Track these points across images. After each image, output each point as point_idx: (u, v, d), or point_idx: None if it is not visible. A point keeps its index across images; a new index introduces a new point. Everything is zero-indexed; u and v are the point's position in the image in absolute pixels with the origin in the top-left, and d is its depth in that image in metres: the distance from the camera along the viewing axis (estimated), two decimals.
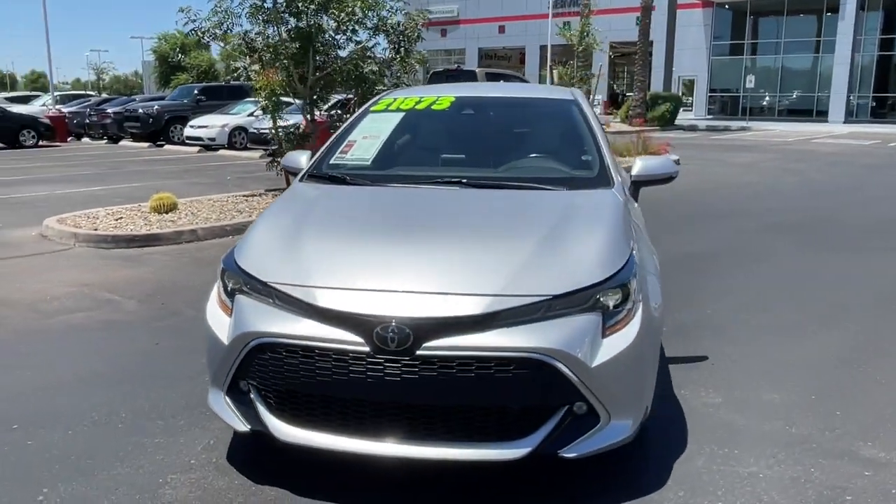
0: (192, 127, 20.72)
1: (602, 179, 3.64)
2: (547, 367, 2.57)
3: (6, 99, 32.11)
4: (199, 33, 9.54)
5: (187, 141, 20.84)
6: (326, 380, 2.65)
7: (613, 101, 42.56)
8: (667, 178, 3.99)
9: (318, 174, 3.91)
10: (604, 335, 2.70)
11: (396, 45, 10.04)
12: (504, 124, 4.44)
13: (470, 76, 17.80)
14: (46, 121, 23.03)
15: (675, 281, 6.03)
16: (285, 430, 2.78)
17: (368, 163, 4.00)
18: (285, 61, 9.62)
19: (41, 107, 28.58)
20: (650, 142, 16.91)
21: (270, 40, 9.72)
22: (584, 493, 2.88)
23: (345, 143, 4.14)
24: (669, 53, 35.51)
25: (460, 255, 2.88)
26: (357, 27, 9.78)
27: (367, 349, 2.59)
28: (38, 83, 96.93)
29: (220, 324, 2.92)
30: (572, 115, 4.16)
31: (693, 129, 31.42)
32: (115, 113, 23.36)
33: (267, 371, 2.76)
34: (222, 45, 9.63)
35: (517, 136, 4.32)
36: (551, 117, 4.32)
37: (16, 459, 3.16)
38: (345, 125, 4.37)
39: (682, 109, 37.22)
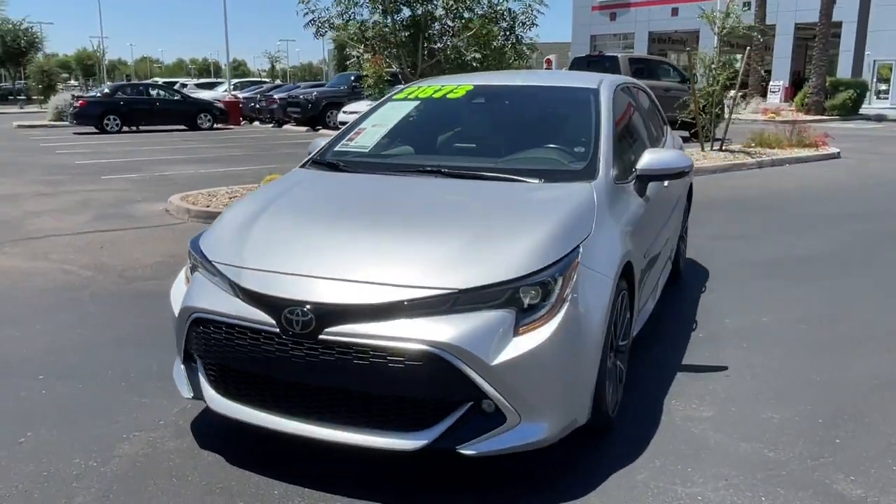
0: (344, 112, 21.74)
1: (587, 173, 3.46)
2: (441, 362, 2.53)
3: (196, 85, 35.50)
4: (317, 24, 10.01)
5: (339, 125, 21.91)
6: (246, 357, 2.79)
7: (798, 87, 39.32)
8: (677, 173, 3.73)
9: (319, 160, 4.04)
10: (516, 333, 2.61)
11: (507, 32, 9.98)
12: (514, 113, 4.33)
13: (612, 63, 17.20)
14: (221, 106, 25.22)
15: (755, 285, 5.63)
16: (217, 401, 2.96)
17: (367, 150, 4.07)
18: (395, 50, 9.86)
19: (223, 92, 31.31)
20: (807, 132, 15.46)
21: (383, 29, 10.00)
22: (492, 490, 2.81)
23: (354, 131, 4.23)
24: (861, 36, 32.20)
25: (386, 245, 2.88)
26: (467, 13, 9.82)
27: (276, 330, 2.69)
28: (239, 70, 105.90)
29: (179, 297, 3.14)
30: (586, 105, 3.97)
31: (881, 118, 28.33)
32: (280, 99, 25.06)
33: (203, 344, 2.94)
34: (336, 34, 10.03)
35: (524, 125, 4.19)
36: (564, 106, 4.15)
37: (21, 404, 3.59)
38: (364, 112, 4.46)
39: (874, 97, 33.69)
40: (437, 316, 2.59)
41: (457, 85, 4.41)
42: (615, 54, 18.87)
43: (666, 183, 4.04)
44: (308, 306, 2.63)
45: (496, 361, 2.54)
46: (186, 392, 3.09)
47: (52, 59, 57.52)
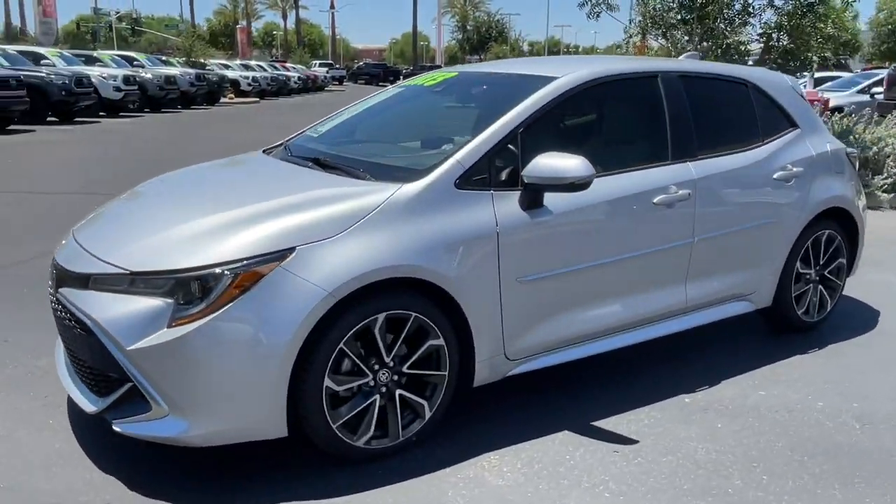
0: None
1: (415, 174, 3.00)
2: (92, 336, 2.62)
3: None
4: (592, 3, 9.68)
5: None
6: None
7: None
8: (567, 185, 2.99)
9: (273, 146, 4.14)
10: (170, 324, 2.54)
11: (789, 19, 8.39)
12: (460, 104, 3.88)
13: None
14: None
15: None
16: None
17: (315, 136, 4.04)
18: (675, 32, 9.07)
19: None
20: None
21: (664, 13, 9.24)
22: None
23: (336, 114, 4.25)
24: None
25: (151, 225, 2.97)
26: None
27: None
28: None
29: None
30: (510, 100, 3.38)
31: None
32: None
33: None
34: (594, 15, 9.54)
35: (450, 118, 3.75)
36: (500, 100, 3.52)
37: None
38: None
39: None
40: (114, 294, 2.66)
41: (446, 73, 4.13)
42: None
43: (657, 199, 3.45)
44: (55, 269, 2.95)
45: (133, 346, 2.52)
46: None
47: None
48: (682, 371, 3.81)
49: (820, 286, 4.37)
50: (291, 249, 2.62)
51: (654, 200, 3.46)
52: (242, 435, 2.64)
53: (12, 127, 15.89)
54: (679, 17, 8.88)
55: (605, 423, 3.21)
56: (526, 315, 3.15)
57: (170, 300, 2.56)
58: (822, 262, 4.35)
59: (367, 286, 2.69)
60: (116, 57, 24.29)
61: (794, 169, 4.06)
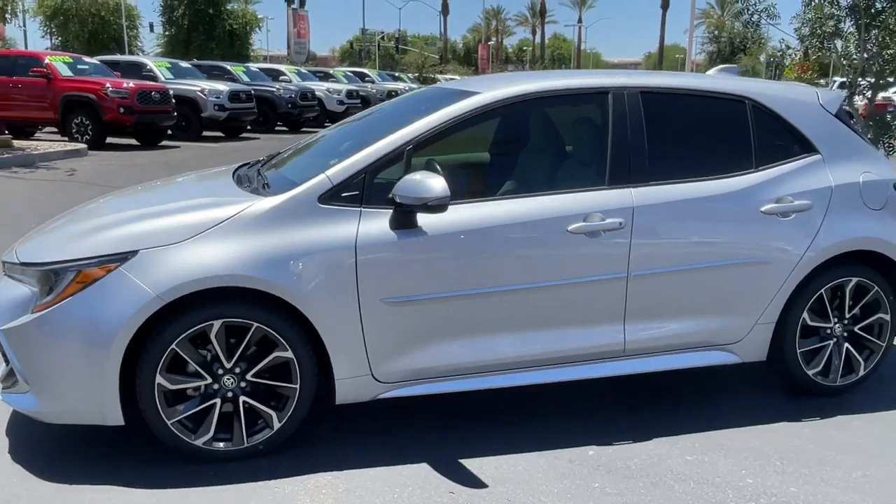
0: None
1: (280, 189, 3.07)
2: None
3: None
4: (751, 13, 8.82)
5: None
6: None
7: None
8: (422, 206, 2.87)
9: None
10: (32, 310, 2.88)
11: None
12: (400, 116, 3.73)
13: None
14: None
15: None
16: None
17: (290, 153, 4.14)
18: (836, 42, 8.07)
19: None
20: None
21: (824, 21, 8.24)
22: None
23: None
24: None
25: (63, 226, 3.28)
26: None
27: None
28: None
29: None
30: (416, 115, 3.28)
31: None
32: None
33: None
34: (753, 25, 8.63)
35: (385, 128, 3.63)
36: (416, 113, 3.36)
37: None
38: None
39: None
40: (14, 281, 3.06)
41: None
42: None
43: (573, 227, 3.16)
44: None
45: (4, 326, 2.88)
46: None
47: None
48: (620, 418, 3.40)
49: (847, 345, 3.63)
50: (134, 252, 2.82)
51: (569, 228, 3.14)
52: (84, 418, 2.88)
53: (244, 134, 18.18)
54: (842, 25, 7.73)
55: (470, 463, 2.99)
56: (396, 338, 3.05)
57: (36, 289, 2.89)
58: (848, 316, 3.61)
59: (203, 292, 2.81)
60: (349, 73, 26.61)
61: (798, 202, 3.43)
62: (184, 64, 18.22)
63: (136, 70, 16.83)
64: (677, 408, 3.56)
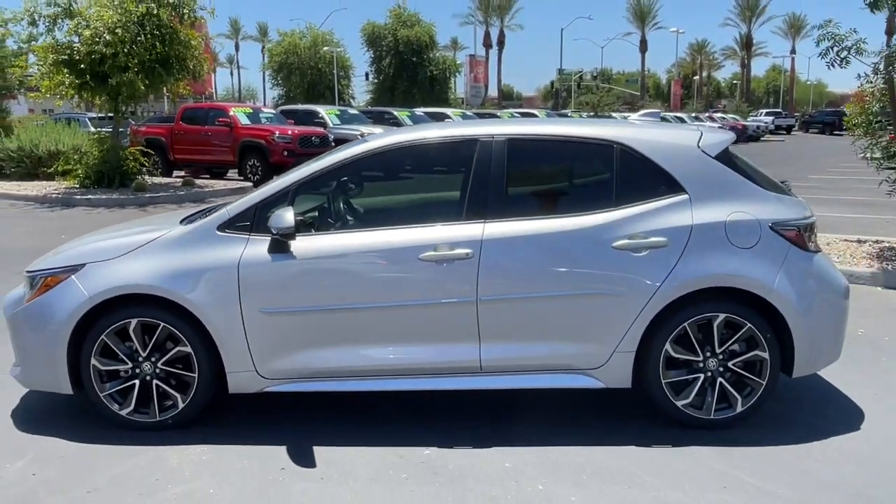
0: None
1: (218, 218, 3.88)
2: None
3: None
4: (836, 50, 8.46)
5: None
6: None
7: None
8: (276, 235, 3.61)
9: None
10: (24, 303, 3.96)
11: None
12: None
13: None
14: None
15: None
16: None
17: None
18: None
19: None
20: None
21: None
22: None
23: None
24: None
25: (72, 244, 4.39)
26: None
27: None
28: None
29: None
30: (323, 157, 3.99)
31: None
32: None
33: None
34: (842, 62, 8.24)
35: None
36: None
37: None
38: None
39: None
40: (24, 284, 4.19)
41: None
42: None
43: (423, 256, 3.67)
44: None
45: (8, 314, 4.00)
46: None
47: None
48: (483, 429, 3.79)
49: (721, 380, 3.73)
50: (82, 265, 3.81)
51: (420, 256, 3.66)
52: (48, 386, 3.88)
53: None
54: None
55: (319, 450, 3.57)
56: (274, 342, 3.74)
57: (27, 290, 3.98)
58: (720, 351, 3.71)
59: (123, 297, 3.72)
60: (516, 114, 27.53)
61: (652, 238, 3.65)
62: (351, 111, 20.24)
63: (311, 117, 19.05)
64: (540, 423, 3.88)
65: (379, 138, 3.98)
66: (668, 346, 3.70)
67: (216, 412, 3.96)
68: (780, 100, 79.75)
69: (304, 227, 3.78)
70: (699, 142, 3.88)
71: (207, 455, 3.56)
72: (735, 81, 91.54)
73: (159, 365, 3.79)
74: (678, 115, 38.38)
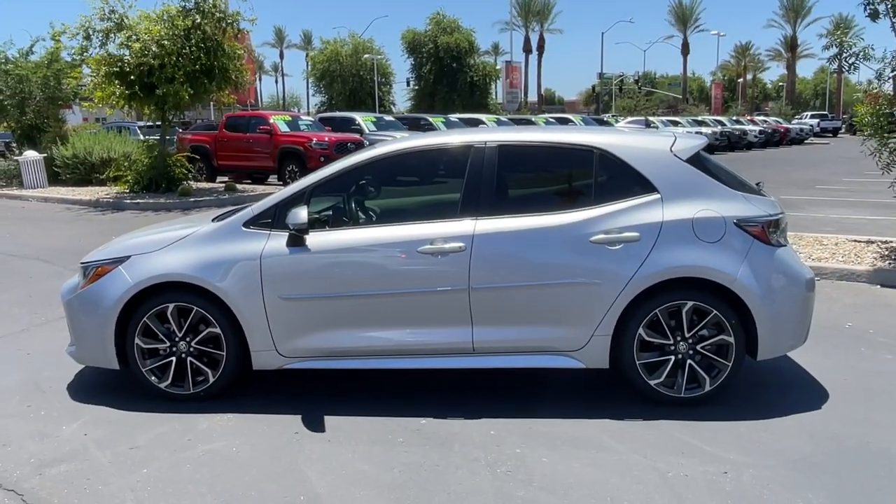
0: None
1: (241, 216, 4.42)
2: None
3: None
4: (842, 58, 8.71)
5: None
6: None
7: None
8: (291, 231, 4.16)
9: None
10: (78, 290, 4.58)
11: None
12: None
13: None
14: None
15: None
16: None
17: None
18: None
19: None
20: None
21: None
22: None
23: None
24: None
25: (119, 238, 5.01)
26: None
27: None
28: None
29: None
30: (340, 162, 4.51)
31: None
32: None
33: None
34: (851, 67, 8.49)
35: None
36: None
37: None
38: None
39: None
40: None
41: None
42: None
43: (422, 249, 4.13)
44: None
45: (66, 299, 4.60)
46: None
47: None
48: (474, 403, 4.25)
49: (690, 361, 4.13)
50: (128, 257, 4.39)
51: (419, 249, 4.14)
52: (98, 363, 4.47)
53: None
54: None
55: (330, 419, 4.08)
56: (292, 324, 4.25)
57: (81, 278, 4.58)
58: (688, 335, 4.11)
59: (162, 284, 4.29)
60: (551, 119, 27.85)
61: (626, 234, 4.07)
62: (387, 117, 20.88)
63: (348, 124, 19.74)
64: (527, 399, 4.32)
65: (386, 145, 4.49)
66: (641, 331, 4.11)
67: (242, 386, 4.50)
68: (827, 102, 78.19)
69: (318, 224, 4.31)
70: (672, 146, 4.29)
71: (233, 421, 4.10)
72: (781, 84, 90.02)
73: (193, 344, 4.34)
74: (718, 118, 38.13)
